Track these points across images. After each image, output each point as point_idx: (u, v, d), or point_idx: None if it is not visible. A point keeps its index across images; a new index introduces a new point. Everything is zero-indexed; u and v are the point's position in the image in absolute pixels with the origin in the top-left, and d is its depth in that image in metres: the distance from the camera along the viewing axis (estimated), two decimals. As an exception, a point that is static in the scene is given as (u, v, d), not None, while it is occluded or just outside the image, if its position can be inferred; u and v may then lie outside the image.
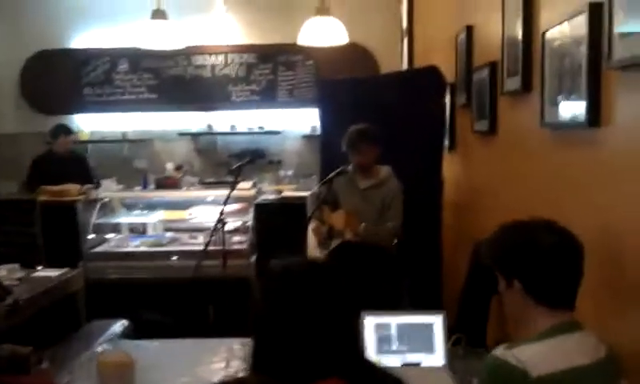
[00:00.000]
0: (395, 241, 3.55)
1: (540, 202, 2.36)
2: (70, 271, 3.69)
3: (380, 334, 2.37)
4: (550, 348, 1.49)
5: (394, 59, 6.23)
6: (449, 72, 3.97)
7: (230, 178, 5.92)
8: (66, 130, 5.51)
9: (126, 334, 3.39)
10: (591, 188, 1.93)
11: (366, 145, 3.44)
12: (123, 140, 6.54)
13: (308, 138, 6.40)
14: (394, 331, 2.38)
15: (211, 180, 6.02)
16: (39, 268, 3.62)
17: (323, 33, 4.62)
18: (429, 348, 2.36)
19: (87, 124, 6.61)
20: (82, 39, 6.60)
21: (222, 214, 3.70)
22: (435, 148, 3.92)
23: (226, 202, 3.80)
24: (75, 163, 5.42)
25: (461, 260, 3.36)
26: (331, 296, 1.25)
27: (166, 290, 4.15)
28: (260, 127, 6.51)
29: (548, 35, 2.23)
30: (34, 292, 3.17)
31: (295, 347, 1.19)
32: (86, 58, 6.55)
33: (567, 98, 2.06)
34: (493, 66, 2.99)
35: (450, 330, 2.40)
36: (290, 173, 6.44)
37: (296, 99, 6.55)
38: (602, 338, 1.55)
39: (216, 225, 3.75)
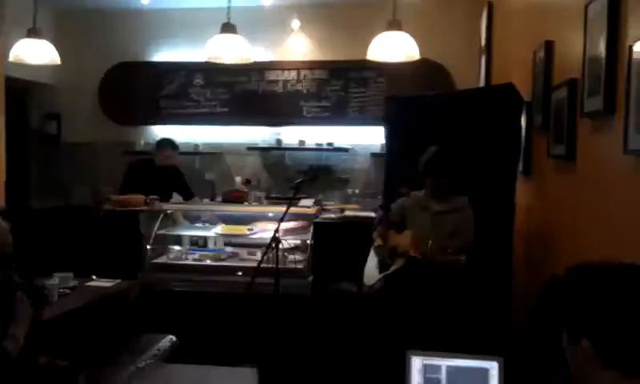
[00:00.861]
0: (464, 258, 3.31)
1: (622, 239, 2.06)
2: (124, 282, 3.69)
3: (428, 378, 2.13)
4: None
5: (471, 77, 5.92)
6: (526, 91, 3.67)
7: (296, 195, 5.92)
8: (173, 144, 5.48)
9: (172, 351, 3.33)
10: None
11: (443, 169, 3.30)
12: (195, 152, 6.59)
13: (377, 156, 6.20)
14: (443, 375, 2.14)
15: (277, 195, 5.96)
16: (94, 277, 3.62)
17: (393, 47, 4.42)
18: (483, 397, 2.10)
19: (162, 135, 6.71)
20: (160, 53, 6.74)
21: (276, 231, 3.56)
22: (509, 171, 3.61)
23: (282, 220, 3.67)
24: (172, 176, 5.34)
25: (532, 297, 3.04)
26: None
27: (220, 306, 4.06)
28: (329, 143, 6.38)
29: (635, 49, 1.95)
30: (82, 303, 3.15)
31: None
32: (163, 71, 6.69)
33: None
34: (572, 85, 2.70)
35: (510, 377, 2.13)
36: (357, 191, 6.28)
37: (366, 116, 6.38)
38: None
39: (270, 242, 3.62)
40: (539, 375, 2.31)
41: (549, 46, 3.25)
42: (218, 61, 4.76)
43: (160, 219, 4.58)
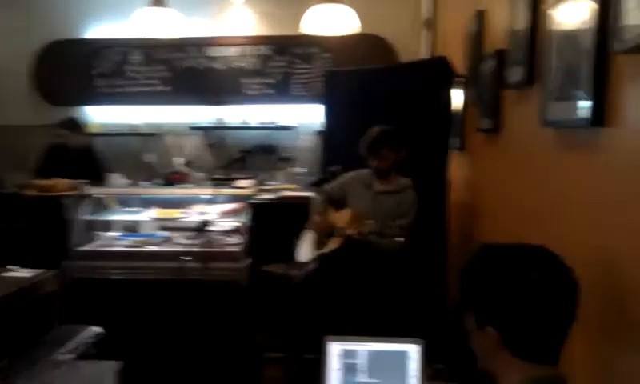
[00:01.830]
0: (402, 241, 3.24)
1: (545, 211, 1.99)
2: (45, 271, 3.47)
3: (346, 363, 2.03)
4: None
5: (415, 52, 5.83)
6: (463, 64, 3.59)
7: (239, 175, 5.76)
8: (76, 124, 5.37)
9: (97, 343, 3.15)
10: (593, 197, 1.56)
11: (387, 149, 3.20)
12: (133, 133, 6.34)
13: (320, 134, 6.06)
14: (362, 360, 2.04)
15: (220, 176, 5.78)
16: (14, 268, 3.40)
17: (331, 20, 4.27)
18: (402, 381, 2.01)
19: (98, 116, 6.44)
20: (94, 30, 6.43)
21: (205, 213, 3.41)
22: (440, 146, 3.55)
23: (217, 202, 3.53)
24: (86, 157, 5.23)
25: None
26: None
27: (150, 292, 3.90)
28: (272, 122, 6.21)
29: (554, 15, 1.85)
30: (-2, 294, 2.94)
31: None
32: (97, 48, 6.38)
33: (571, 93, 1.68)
34: (500, 56, 2.61)
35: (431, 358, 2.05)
36: (303, 170, 6.13)
37: (311, 93, 6.22)
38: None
39: (200, 225, 3.47)
40: (454, 359, 2.25)
41: (480, 16, 3.17)
42: (149, 37, 4.53)
43: (88, 204, 4.35)
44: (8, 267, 3.41)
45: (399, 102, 3.59)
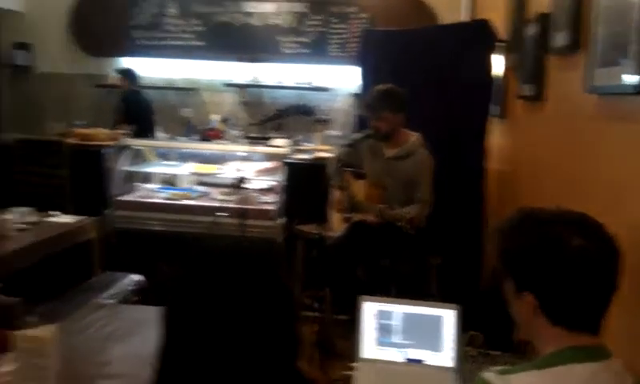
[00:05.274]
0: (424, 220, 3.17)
1: (584, 178, 1.98)
2: (87, 219, 3.60)
3: (381, 323, 2.07)
4: (554, 380, 1.14)
5: (456, 14, 5.72)
6: (504, 29, 3.52)
7: (274, 134, 5.80)
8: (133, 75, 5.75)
9: (137, 291, 3.26)
10: (637, 166, 1.55)
11: (387, 111, 3.04)
12: (170, 87, 6.40)
13: (356, 97, 6.03)
14: (397, 321, 2.07)
15: (254, 135, 5.83)
16: (56, 213, 3.53)
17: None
18: (436, 345, 2.04)
19: (135, 68, 6.49)
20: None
21: (241, 171, 3.47)
22: (480, 112, 3.50)
23: (251, 160, 3.57)
24: (143, 108, 5.62)
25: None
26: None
27: (186, 246, 3.99)
28: (308, 82, 6.19)
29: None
30: (40, 238, 3.07)
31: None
32: None
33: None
34: (544, 20, 2.56)
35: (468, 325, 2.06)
36: (338, 133, 6.13)
37: (347, 55, 6.17)
38: (632, 369, 1.19)
39: (237, 181, 3.53)
40: (490, 326, 2.26)
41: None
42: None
43: (128, 155, 4.45)
44: (49, 213, 3.55)
45: (438, 66, 3.55)
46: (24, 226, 3.24)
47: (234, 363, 0.98)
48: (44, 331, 1.49)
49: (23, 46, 6.49)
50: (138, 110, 5.46)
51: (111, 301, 3.04)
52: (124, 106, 5.48)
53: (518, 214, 1.28)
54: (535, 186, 2.74)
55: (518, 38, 3.10)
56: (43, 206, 3.61)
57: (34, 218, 3.38)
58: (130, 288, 3.30)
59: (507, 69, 3.51)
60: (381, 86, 3.12)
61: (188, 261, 1.06)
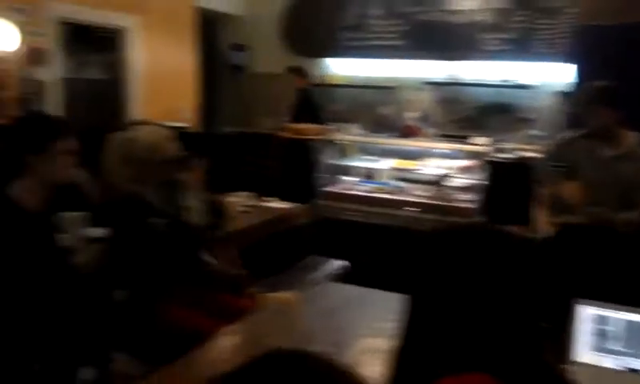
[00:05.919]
0: None
1: None
2: (298, 206, 3.91)
3: (598, 330, 1.98)
4: None
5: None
6: None
7: (471, 133, 5.70)
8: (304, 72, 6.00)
9: (341, 275, 3.47)
10: None
11: (605, 108, 2.86)
12: (369, 86, 6.61)
13: (566, 96, 5.69)
14: (616, 328, 1.97)
15: (452, 133, 5.80)
16: (270, 199, 3.88)
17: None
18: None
19: (337, 68, 6.81)
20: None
21: (441, 168, 3.51)
22: None
23: (449, 157, 3.60)
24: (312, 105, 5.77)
25: None
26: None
27: (386, 237, 4.14)
28: (511, 80, 5.99)
29: None
30: (260, 219, 3.41)
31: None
32: (342, 1, 6.69)
33: None
34: None
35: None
36: (542, 133, 5.83)
37: (555, 51, 5.84)
38: None
39: (438, 178, 3.58)
40: None
41: None
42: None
43: (333, 149, 4.72)
44: (263, 198, 3.92)
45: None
46: (246, 208, 3.63)
47: (483, 351, 0.98)
48: (291, 295, 1.68)
49: (239, 47, 7.16)
50: (310, 108, 5.69)
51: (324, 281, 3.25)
52: (304, 102, 5.73)
53: None
54: None
55: None
56: (256, 192, 3.99)
57: (253, 202, 3.76)
58: (336, 271, 3.52)
59: None
60: (597, 83, 2.95)
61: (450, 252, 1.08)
